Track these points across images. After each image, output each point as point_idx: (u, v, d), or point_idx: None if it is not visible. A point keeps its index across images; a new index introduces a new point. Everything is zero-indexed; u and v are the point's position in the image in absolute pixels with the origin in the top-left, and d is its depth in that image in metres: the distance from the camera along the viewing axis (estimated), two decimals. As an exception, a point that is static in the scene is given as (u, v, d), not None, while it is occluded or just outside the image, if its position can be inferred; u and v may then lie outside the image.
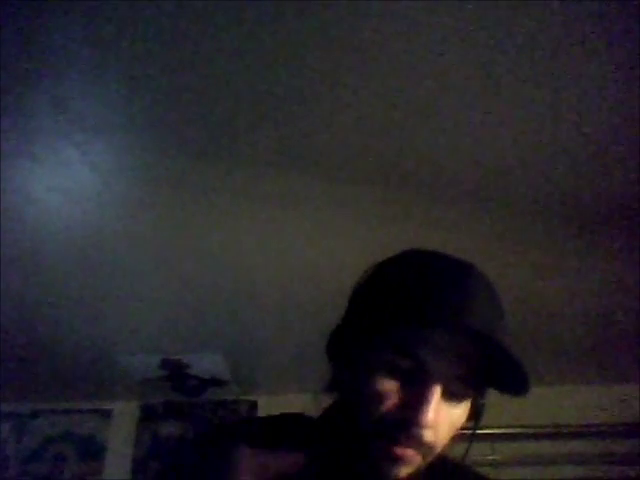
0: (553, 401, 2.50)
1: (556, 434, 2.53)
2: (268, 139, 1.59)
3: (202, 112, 1.52)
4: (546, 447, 2.52)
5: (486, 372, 0.65)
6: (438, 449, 0.68)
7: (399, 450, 0.64)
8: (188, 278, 2.09)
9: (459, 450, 0.75)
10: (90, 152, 1.62)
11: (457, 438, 0.71)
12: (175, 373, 2.62)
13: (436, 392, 0.64)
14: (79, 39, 1.34)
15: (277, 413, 0.80)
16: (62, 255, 1.97)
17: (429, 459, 0.68)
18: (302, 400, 0.74)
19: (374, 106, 1.49)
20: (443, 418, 0.66)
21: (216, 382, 2.68)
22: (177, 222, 1.87)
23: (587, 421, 2.52)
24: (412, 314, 0.63)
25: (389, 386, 0.65)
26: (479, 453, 0.76)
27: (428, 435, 0.64)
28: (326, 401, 0.77)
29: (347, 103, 1.48)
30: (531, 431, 2.50)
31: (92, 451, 2.75)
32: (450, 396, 0.66)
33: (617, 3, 1.22)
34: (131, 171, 1.70)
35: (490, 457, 2.37)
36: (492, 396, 0.70)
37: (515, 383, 0.64)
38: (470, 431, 0.71)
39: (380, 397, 0.65)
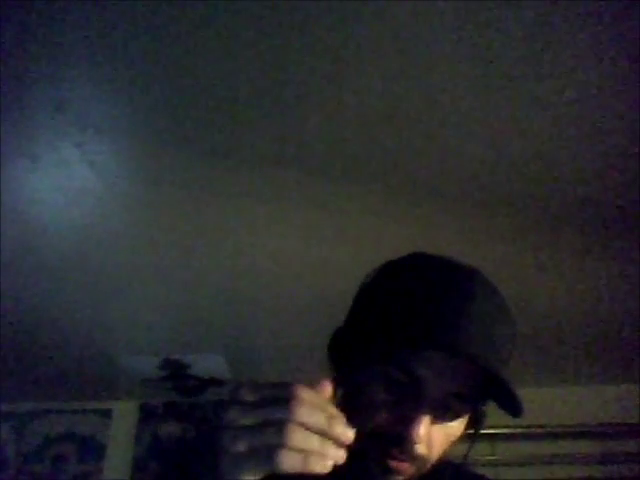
0: (553, 401, 2.50)
1: (556, 434, 2.53)
2: (268, 139, 1.59)
3: (202, 112, 1.52)
4: (546, 447, 2.52)
5: (485, 388, 0.65)
6: (433, 461, 0.68)
7: (393, 463, 0.64)
8: (188, 278, 2.09)
9: (459, 450, 0.74)
10: (90, 152, 1.62)
11: (458, 440, 0.70)
12: (175, 373, 2.62)
13: (429, 410, 0.64)
14: (79, 39, 1.34)
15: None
16: (62, 255, 1.97)
17: (424, 470, 0.68)
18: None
19: (374, 107, 1.49)
20: (437, 433, 0.66)
21: (216, 382, 2.68)
22: (177, 222, 1.87)
23: (587, 421, 2.53)
24: (412, 335, 0.63)
25: (384, 398, 0.65)
26: (479, 453, 0.75)
27: (421, 449, 0.64)
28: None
29: (347, 104, 1.48)
30: (531, 431, 2.50)
31: (92, 451, 2.75)
32: (445, 412, 0.66)
33: (617, 3, 1.22)
34: (131, 171, 1.70)
35: (490, 457, 2.37)
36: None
37: (510, 405, 0.64)
38: (471, 432, 0.71)
39: (374, 408, 0.65)
